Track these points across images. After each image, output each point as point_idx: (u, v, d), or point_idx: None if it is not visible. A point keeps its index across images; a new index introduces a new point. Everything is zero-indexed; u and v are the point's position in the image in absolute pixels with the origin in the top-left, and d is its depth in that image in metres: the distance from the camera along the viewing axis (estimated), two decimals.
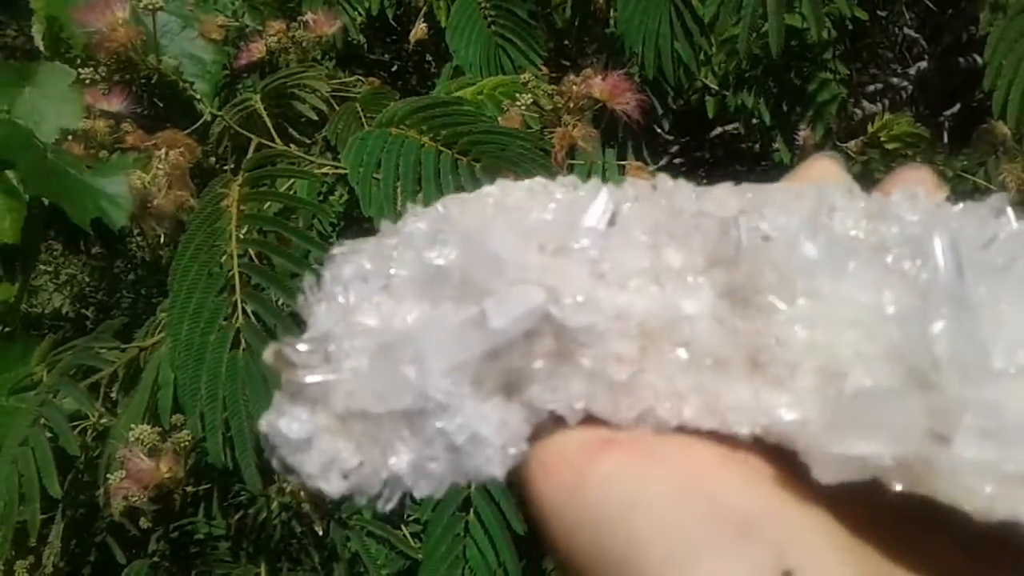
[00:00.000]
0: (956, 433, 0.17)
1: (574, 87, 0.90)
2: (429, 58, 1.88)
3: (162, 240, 1.60)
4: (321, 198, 1.33)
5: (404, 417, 0.21)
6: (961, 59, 1.57)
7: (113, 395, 1.07)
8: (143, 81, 1.48)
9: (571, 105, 0.89)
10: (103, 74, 1.03)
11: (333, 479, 0.21)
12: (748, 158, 1.67)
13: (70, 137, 1.22)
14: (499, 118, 0.89)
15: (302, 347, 0.21)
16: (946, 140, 1.51)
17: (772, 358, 0.19)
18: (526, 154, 0.80)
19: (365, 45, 1.75)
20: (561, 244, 0.21)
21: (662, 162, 1.40)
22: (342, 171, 1.07)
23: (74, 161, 1.16)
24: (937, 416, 0.17)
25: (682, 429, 0.20)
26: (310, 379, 0.21)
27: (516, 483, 0.21)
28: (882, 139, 1.37)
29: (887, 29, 1.68)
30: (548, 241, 0.21)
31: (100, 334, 1.00)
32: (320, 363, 0.21)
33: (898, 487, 0.18)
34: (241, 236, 0.82)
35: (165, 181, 0.85)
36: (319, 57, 1.40)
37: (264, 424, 0.21)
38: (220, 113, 0.99)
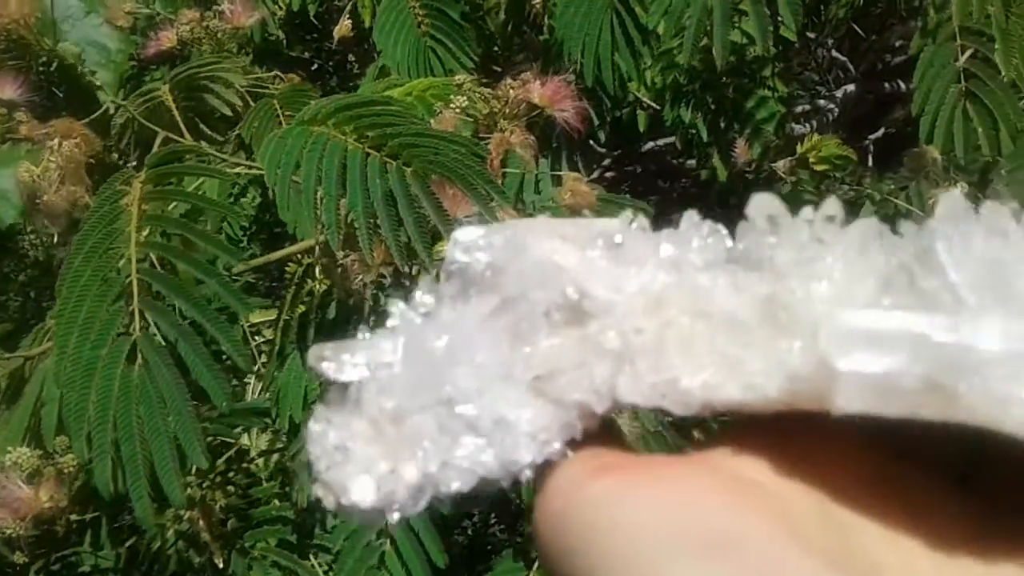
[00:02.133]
0: (975, 335, 0.17)
1: (512, 91, 0.85)
2: (351, 58, 1.82)
3: (56, 239, 1.48)
4: (232, 200, 1.25)
5: (434, 411, 0.21)
6: (886, 84, 1.58)
7: None
8: (41, 67, 1.37)
9: (508, 110, 0.84)
10: None
11: (366, 489, 0.21)
12: (679, 173, 1.66)
13: None
14: (431, 120, 0.84)
15: (339, 349, 0.22)
16: (871, 163, 1.52)
17: (793, 316, 0.19)
18: (460, 160, 0.74)
19: (284, 41, 1.67)
20: (585, 238, 0.22)
21: (593, 175, 1.37)
22: (256, 171, 1.00)
23: None
24: (959, 328, 0.17)
25: (708, 404, 0.20)
26: (345, 378, 0.22)
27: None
28: (811, 160, 1.37)
29: (813, 51, 1.69)
30: (571, 236, 0.22)
31: None
32: (358, 363, 0.22)
33: (927, 415, 0.17)
34: (142, 239, 0.74)
35: (57, 175, 0.76)
36: (235, 51, 1.32)
37: (305, 435, 0.22)
38: (123, 103, 0.91)
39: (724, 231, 0.22)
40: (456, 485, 0.21)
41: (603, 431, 0.21)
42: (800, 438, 0.20)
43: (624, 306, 0.21)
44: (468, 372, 0.21)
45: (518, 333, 0.21)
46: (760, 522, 0.18)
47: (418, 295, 0.23)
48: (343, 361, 0.22)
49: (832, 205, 0.21)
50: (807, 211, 0.21)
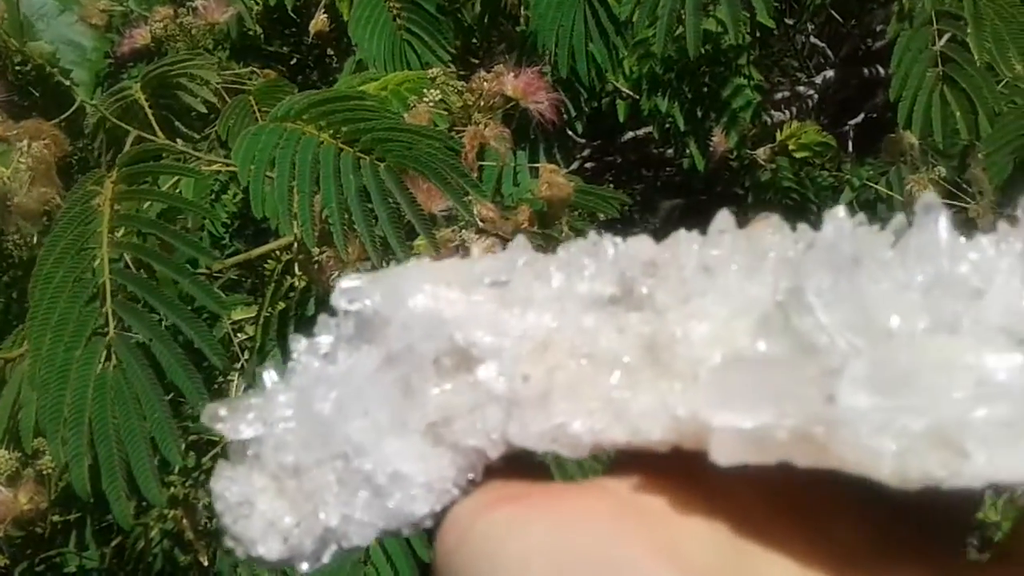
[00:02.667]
0: (842, 384, 0.17)
1: (485, 84, 0.85)
2: (331, 52, 1.81)
3: (37, 240, 1.47)
4: (213, 197, 1.24)
5: (332, 466, 0.21)
6: (865, 69, 1.58)
7: None
8: (17, 67, 1.36)
9: (482, 103, 0.84)
10: None
11: (272, 543, 0.21)
12: (659, 163, 1.66)
13: None
14: (405, 115, 0.84)
15: (236, 406, 0.22)
16: (851, 149, 1.52)
17: (674, 356, 0.20)
18: (434, 154, 0.74)
19: (262, 36, 1.66)
20: (469, 280, 0.22)
21: (573, 166, 1.37)
22: (234, 168, 0.99)
23: None
24: (827, 377, 0.17)
25: (598, 446, 0.20)
26: (241, 436, 0.22)
27: None
28: (791, 147, 1.37)
29: (792, 38, 1.69)
30: (455, 279, 0.22)
31: None
32: (252, 420, 0.22)
33: (802, 464, 0.17)
34: (116, 239, 0.73)
35: (28, 176, 0.76)
36: (211, 47, 1.31)
37: (210, 491, 0.22)
38: (94, 103, 0.90)
39: (624, 249, 0.21)
40: (357, 540, 0.21)
41: (509, 462, 0.21)
42: (707, 461, 0.20)
43: (511, 351, 0.21)
44: (362, 426, 0.21)
45: (409, 383, 0.21)
46: (644, 549, 0.18)
47: (317, 336, 0.23)
48: (238, 419, 0.22)
49: (723, 220, 0.21)
50: (694, 236, 0.21)
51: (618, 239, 0.22)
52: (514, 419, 0.21)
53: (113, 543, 1.02)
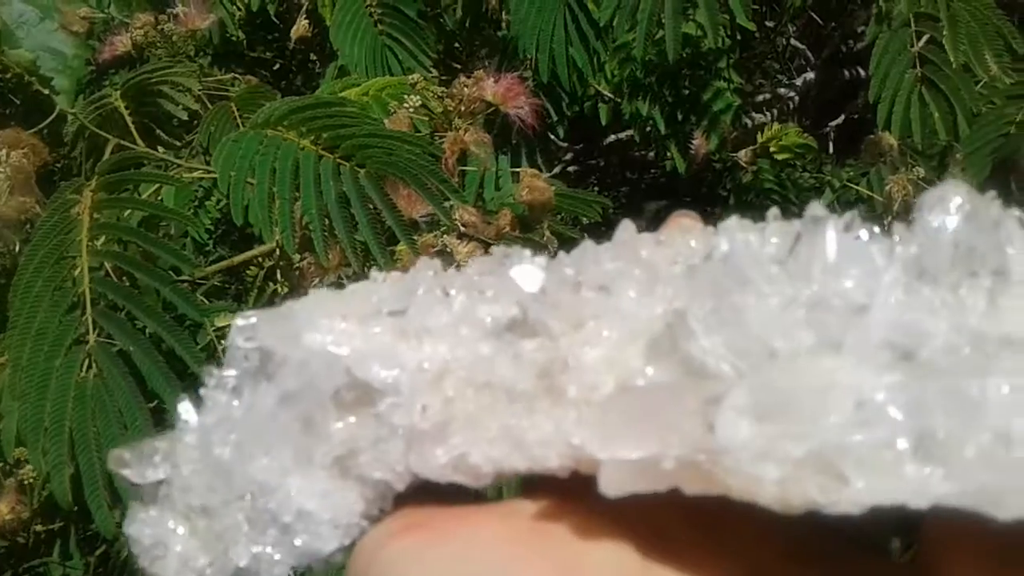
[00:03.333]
0: (722, 413, 0.17)
1: (466, 89, 0.85)
2: (313, 57, 1.81)
3: (18, 248, 1.46)
4: (196, 203, 1.24)
5: (239, 506, 0.21)
6: (845, 71, 1.59)
7: None
8: None
9: (462, 108, 0.84)
10: None
11: None
12: (642, 166, 1.67)
13: None
14: (386, 121, 0.84)
15: (141, 450, 0.22)
16: (831, 151, 1.53)
17: (568, 383, 0.19)
18: (415, 159, 0.74)
19: (244, 42, 1.66)
20: (367, 312, 0.22)
21: (555, 170, 1.37)
22: (215, 175, 0.99)
23: None
24: (708, 405, 0.17)
25: (499, 475, 0.20)
26: (147, 480, 0.22)
27: None
28: (772, 149, 1.38)
29: (773, 40, 1.70)
30: (352, 312, 0.22)
31: None
32: (158, 463, 0.22)
33: (690, 491, 0.17)
34: (97, 247, 0.73)
35: (7, 186, 0.76)
36: (192, 54, 1.31)
37: (126, 533, 0.23)
38: (73, 111, 0.90)
39: (518, 272, 0.21)
40: None
41: (420, 489, 0.21)
42: None
43: (409, 383, 0.21)
44: (264, 466, 0.21)
45: (311, 419, 0.21)
46: (545, 571, 0.18)
47: (225, 369, 0.23)
48: (144, 463, 0.22)
49: (625, 229, 0.21)
50: (598, 248, 0.21)
51: (527, 252, 0.22)
52: (415, 451, 0.21)
53: (97, 552, 1.01)
